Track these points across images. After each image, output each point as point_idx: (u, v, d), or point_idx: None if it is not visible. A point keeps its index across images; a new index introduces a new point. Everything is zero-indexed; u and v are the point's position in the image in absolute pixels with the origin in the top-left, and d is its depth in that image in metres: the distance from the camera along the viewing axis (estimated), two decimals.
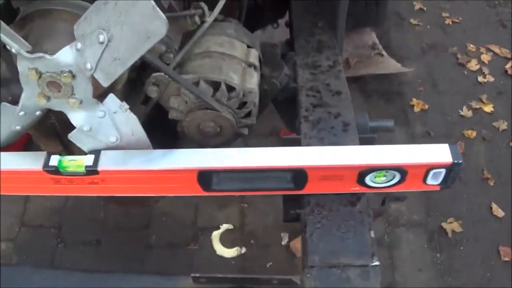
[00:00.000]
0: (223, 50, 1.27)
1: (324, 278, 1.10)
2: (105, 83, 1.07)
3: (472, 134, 2.60)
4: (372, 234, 1.16)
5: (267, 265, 2.20)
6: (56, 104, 1.15)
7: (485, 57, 2.93)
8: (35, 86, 1.11)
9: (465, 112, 2.69)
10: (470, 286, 2.17)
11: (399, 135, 2.60)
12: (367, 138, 1.31)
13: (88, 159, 1.19)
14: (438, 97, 2.75)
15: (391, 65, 2.70)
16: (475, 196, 2.41)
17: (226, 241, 2.27)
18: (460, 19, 3.22)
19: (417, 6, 3.26)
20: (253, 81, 1.26)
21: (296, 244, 2.23)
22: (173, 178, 1.19)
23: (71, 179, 1.22)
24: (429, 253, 2.26)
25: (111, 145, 1.20)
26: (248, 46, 1.33)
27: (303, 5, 1.78)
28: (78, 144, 1.21)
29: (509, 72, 2.88)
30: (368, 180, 1.17)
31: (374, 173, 1.16)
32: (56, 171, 1.20)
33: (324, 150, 1.17)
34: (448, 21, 3.21)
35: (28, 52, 1.06)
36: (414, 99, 2.74)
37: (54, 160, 1.20)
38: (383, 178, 1.18)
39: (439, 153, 1.15)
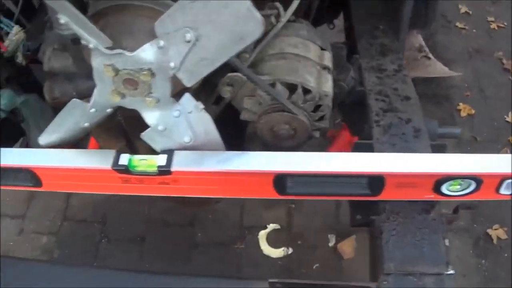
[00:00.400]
0: (298, 52, 1.26)
1: (400, 286, 1.10)
2: (188, 83, 1.07)
3: None
4: (447, 242, 1.15)
5: (314, 267, 2.19)
6: (130, 102, 1.15)
7: None
8: (109, 83, 1.11)
9: (511, 118, 2.65)
10: None
11: (445, 140, 2.56)
12: (438, 145, 1.30)
13: (161, 159, 1.19)
14: (485, 102, 2.72)
15: (439, 69, 2.67)
16: None
17: (273, 241, 2.27)
18: (505, 24, 3.18)
19: (463, 9, 3.22)
20: (328, 84, 1.25)
21: (343, 247, 2.22)
22: (248, 180, 1.19)
23: (141, 179, 1.22)
24: (474, 259, 2.24)
25: (184, 145, 1.20)
26: (321, 48, 1.32)
27: (363, 7, 1.76)
28: (150, 143, 1.21)
29: None
30: (444, 188, 1.16)
31: (450, 182, 1.15)
32: (125, 170, 1.20)
33: (402, 157, 1.16)
34: (493, 25, 3.17)
35: (107, 48, 1.05)
36: (461, 104, 2.71)
37: (124, 159, 1.20)
38: (458, 187, 1.17)
39: None
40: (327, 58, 1.30)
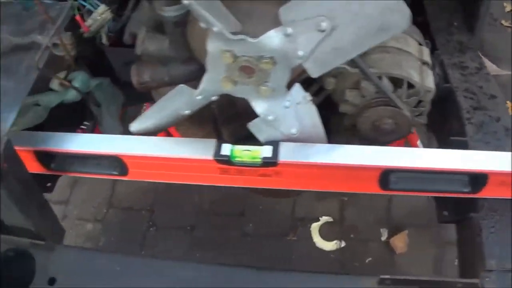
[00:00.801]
0: (400, 46, 1.26)
1: (503, 282, 1.11)
2: (316, 73, 1.06)
3: None
4: None
5: (367, 260, 2.21)
6: (241, 90, 1.14)
7: None
8: (223, 70, 1.10)
9: None
10: None
11: None
12: None
13: (266, 150, 1.20)
14: None
15: (488, 67, 2.66)
16: None
17: (325, 233, 2.28)
18: None
19: (508, 7, 3.21)
20: (430, 80, 1.26)
21: (396, 241, 2.23)
22: (353, 174, 1.20)
23: (241, 170, 1.23)
24: None
25: (290, 137, 1.21)
26: (419, 44, 1.33)
27: (437, 3, 1.76)
28: (256, 133, 1.22)
29: None
30: None
31: None
32: (227, 161, 1.20)
33: (504, 155, 1.17)
34: None
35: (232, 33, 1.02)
36: (508, 102, 2.71)
37: (226, 149, 1.21)
38: None
39: None
40: (426, 53, 1.31)
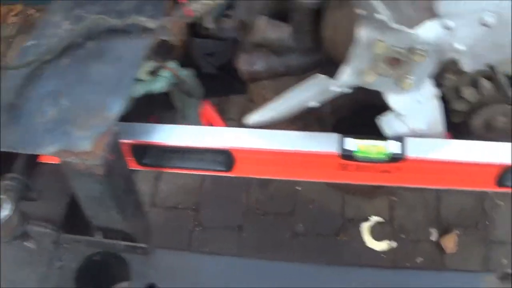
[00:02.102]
0: None
1: None
2: (469, 68, 1.06)
3: None
4: None
5: (418, 261, 2.22)
6: (380, 83, 1.11)
7: None
8: (368, 61, 1.06)
9: None
10: None
11: None
12: None
13: (393, 145, 1.17)
14: None
15: None
16: None
17: (376, 233, 2.28)
18: None
19: None
20: None
21: (446, 241, 2.25)
22: (471, 171, 1.19)
23: (361, 166, 1.20)
24: None
25: (416, 133, 1.19)
26: None
27: None
28: (384, 128, 1.19)
29: None
30: None
31: None
32: (350, 156, 1.17)
33: None
34: None
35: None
36: None
37: (351, 143, 1.18)
38: None
39: None
40: None
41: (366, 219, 2.31)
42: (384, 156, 1.17)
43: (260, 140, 1.24)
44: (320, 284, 1.14)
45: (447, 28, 1.00)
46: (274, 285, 1.14)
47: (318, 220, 2.34)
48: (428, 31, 1.01)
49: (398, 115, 1.17)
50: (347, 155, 1.18)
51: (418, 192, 2.33)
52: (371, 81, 1.11)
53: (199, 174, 2.42)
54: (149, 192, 2.46)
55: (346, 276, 1.19)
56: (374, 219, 2.31)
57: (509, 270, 1.10)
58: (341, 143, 1.19)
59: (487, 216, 2.32)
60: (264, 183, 2.38)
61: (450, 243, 2.25)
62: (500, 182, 1.21)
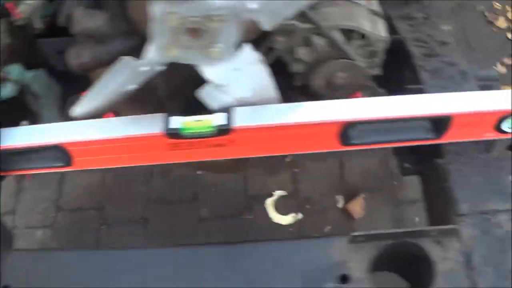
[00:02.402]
0: None
1: (478, 225, 1.09)
2: (268, 26, 1.00)
3: (509, 89, 2.61)
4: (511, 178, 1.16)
5: (325, 230, 2.18)
6: (189, 56, 1.05)
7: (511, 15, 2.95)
8: (168, 35, 1.01)
9: (500, 68, 2.70)
10: None
11: None
12: (485, 86, 1.30)
13: (219, 118, 1.12)
14: (472, 54, 2.75)
15: None
16: None
17: (281, 208, 2.23)
18: None
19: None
20: (381, 28, 1.21)
21: (352, 206, 2.22)
22: (312, 133, 1.14)
23: (192, 143, 1.14)
24: None
25: (243, 101, 1.13)
26: None
27: None
28: (207, 101, 1.13)
29: None
30: (504, 126, 1.15)
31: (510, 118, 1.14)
32: (177, 134, 1.12)
33: (466, 95, 1.15)
34: None
35: None
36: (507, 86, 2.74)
37: (176, 121, 1.12)
38: None
39: None
40: (375, 3, 1.26)
41: (270, 195, 2.25)
42: (211, 130, 1.12)
43: (88, 130, 1.18)
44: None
45: None
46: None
47: (222, 202, 2.27)
48: None
49: (217, 85, 1.10)
50: (173, 134, 1.12)
51: (321, 161, 2.28)
52: (176, 55, 1.05)
53: (100, 173, 2.36)
54: (54, 197, 2.37)
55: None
56: (278, 193, 2.25)
57: (359, 233, 1.07)
58: (166, 123, 1.13)
59: (393, 176, 2.28)
60: (165, 172, 2.32)
61: (357, 207, 2.21)
62: (345, 140, 1.16)
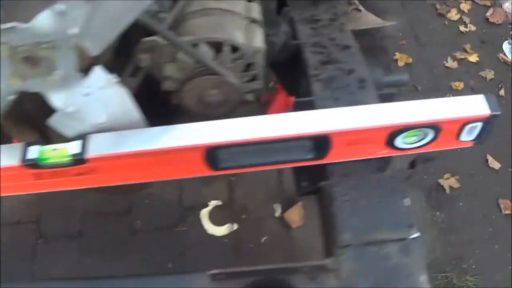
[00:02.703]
0: (222, 6, 1.10)
1: (361, 258, 0.97)
2: (95, 50, 0.89)
3: (460, 85, 2.51)
4: (407, 201, 1.03)
5: (263, 240, 2.07)
6: (33, 85, 0.95)
7: (465, 6, 2.82)
8: (7, 65, 0.91)
9: (451, 63, 2.59)
10: (474, 243, 2.09)
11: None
12: (386, 94, 1.18)
13: (74, 146, 1.01)
14: (422, 49, 2.64)
15: (371, 20, 2.55)
16: (468, 149, 2.30)
17: (217, 218, 2.12)
18: None
19: None
20: (259, 38, 1.09)
21: (291, 215, 2.11)
22: (175, 158, 1.02)
23: (54, 172, 1.03)
24: (429, 212, 2.17)
25: (100, 127, 1.02)
26: (248, 0, 1.16)
27: None
28: (61, 130, 1.02)
29: (490, 20, 2.78)
30: (398, 141, 1.03)
31: (405, 133, 1.03)
32: (35, 164, 1.01)
33: (348, 111, 1.03)
34: None
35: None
36: (397, 53, 2.62)
37: (34, 151, 1.02)
38: (414, 138, 1.05)
39: (476, 105, 1.04)
40: (256, 10, 1.14)
41: (206, 205, 2.14)
42: (67, 159, 1.01)
43: None
44: None
45: (61, 13, 0.84)
46: None
47: (156, 214, 2.16)
48: (44, 21, 0.85)
49: (67, 113, 0.99)
50: (31, 164, 1.02)
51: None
52: (19, 85, 0.95)
53: None
54: None
55: None
56: (213, 203, 2.13)
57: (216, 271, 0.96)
58: (25, 152, 1.02)
59: None
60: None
61: (295, 216, 2.10)
62: (213, 165, 1.04)
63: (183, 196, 2.19)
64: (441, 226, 2.14)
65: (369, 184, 1.05)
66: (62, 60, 0.91)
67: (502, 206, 2.17)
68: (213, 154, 1.01)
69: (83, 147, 1.00)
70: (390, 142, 1.03)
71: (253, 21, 1.12)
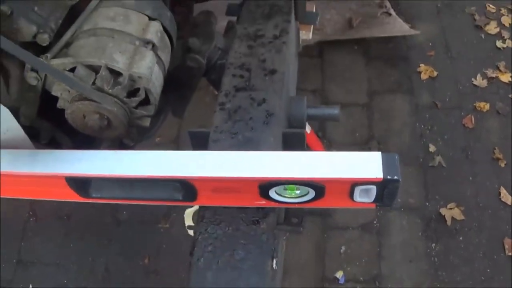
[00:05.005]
0: (113, 26, 1.04)
1: None
2: None
3: (485, 106, 2.27)
4: (275, 264, 0.94)
5: None
6: None
7: (506, 20, 2.54)
8: None
9: (479, 81, 2.35)
10: (468, 283, 1.91)
11: (401, 105, 2.31)
12: (293, 133, 1.07)
13: None
14: (450, 63, 2.41)
15: (398, 27, 2.38)
16: (482, 179, 2.11)
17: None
18: None
19: None
20: (144, 63, 1.02)
21: None
22: (44, 182, 0.99)
23: None
24: (423, 243, 2.00)
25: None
26: (151, 18, 1.09)
27: None
28: None
29: None
30: (273, 194, 0.93)
31: (282, 187, 0.92)
32: None
33: (215, 156, 0.95)
34: None
35: None
36: (422, 65, 2.41)
37: None
38: (297, 192, 0.94)
39: (366, 165, 0.90)
40: (153, 31, 1.08)
41: (191, 206, 2.10)
42: None
43: None
44: None
45: None
46: None
47: (142, 208, 2.14)
48: None
49: None
50: None
51: None
52: None
53: None
54: None
55: None
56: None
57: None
58: None
59: None
60: None
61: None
62: (83, 193, 1.01)
63: None
64: (434, 260, 1.97)
65: (239, 237, 0.96)
66: None
67: (506, 246, 1.96)
68: (79, 183, 0.97)
69: None
70: (264, 194, 0.93)
71: (147, 42, 1.04)
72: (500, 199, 2.06)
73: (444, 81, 2.37)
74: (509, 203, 2.05)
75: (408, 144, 2.22)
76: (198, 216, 1.01)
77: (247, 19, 1.33)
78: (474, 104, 2.29)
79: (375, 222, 2.05)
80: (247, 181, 0.91)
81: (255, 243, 0.95)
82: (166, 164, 0.94)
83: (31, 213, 2.26)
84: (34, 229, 2.22)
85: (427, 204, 2.08)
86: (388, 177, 0.88)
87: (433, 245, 2.00)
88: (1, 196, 1.08)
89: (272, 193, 0.93)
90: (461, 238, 2.01)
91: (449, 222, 2.03)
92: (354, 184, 0.90)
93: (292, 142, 1.07)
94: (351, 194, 0.93)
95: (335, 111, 1.18)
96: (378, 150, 2.16)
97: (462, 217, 2.03)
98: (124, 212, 2.18)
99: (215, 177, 0.91)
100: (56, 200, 1.06)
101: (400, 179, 0.87)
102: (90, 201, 1.02)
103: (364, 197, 0.93)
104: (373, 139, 2.24)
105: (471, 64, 2.40)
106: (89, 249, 2.11)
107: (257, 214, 0.98)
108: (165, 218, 2.13)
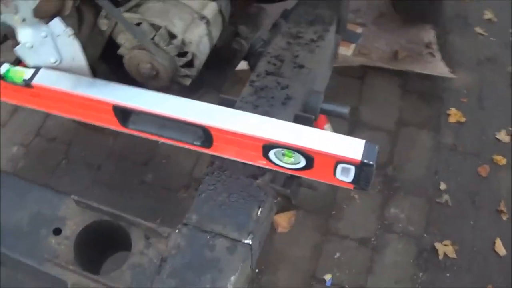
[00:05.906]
0: None
1: (190, 239, 1.09)
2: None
3: (502, 161, 2.38)
4: (259, 213, 1.13)
5: None
6: (7, 19, 1.19)
7: None
8: None
9: (502, 136, 2.47)
10: None
11: (424, 140, 2.46)
12: (304, 117, 1.25)
13: (28, 73, 1.24)
14: (479, 113, 2.54)
15: (438, 68, 2.54)
16: (482, 226, 2.22)
17: None
18: None
19: (487, 15, 2.99)
20: (196, 32, 1.24)
21: (279, 219, 2.20)
22: (93, 106, 1.21)
23: (15, 88, 1.27)
24: (412, 269, 2.12)
25: (52, 65, 1.24)
26: None
27: None
28: (23, 58, 1.25)
29: None
30: (273, 156, 1.12)
31: (281, 151, 1.11)
32: (2, 77, 1.25)
33: (232, 114, 1.15)
34: None
35: None
36: (453, 108, 2.55)
37: (4, 68, 1.26)
38: (292, 159, 1.12)
39: (350, 148, 1.07)
40: (210, 9, 1.29)
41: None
42: (20, 81, 1.24)
43: None
44: None
45: None
46: None
47: (166, 174, 2.37)
48: None
49: (26, 47, 1.22)
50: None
51: None
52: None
53: None
54: (37, 123, 2.63)
55: None
56: None
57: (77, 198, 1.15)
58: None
59: (336, 205, 2.23)
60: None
61: (283, 221, 2.19)
62: (122, 122, 1.22)
63: (196, 167, 2.38)
64: None
65: (237, 185, 1.16)
66: (23, 5, 1.14)
67: None
68: (121, 112, 1.19)
69: (33, 75, 1.23)
70: (265, 154, 1.12)
71: (202, 17, 1.26)
72: (494, 249, 2.16)
73: (470, 128, 2.51)
74: (501, 254, 2.15)
75: (422, 177, 2.35)
76: (209, 162, 1.19)
77: (293, 21, 1.54)
78: (492, 156, 2.40)
79: (373, 239, 2.19)
80: (254, 139, 1.10)
81: (248, 192, 1.15)
82: (194, 111, 1.14)
83: (64, 155, 2.50)
84: (64, 170, 2.45)
85: (425, 235, 2.20)
86: (365, 160, 1.05)
87: (421, 274, 2.11)
88: (55, 114, 1.31)
89: (272, 155, 1.12)
90: (448, 274, 2.11)
91: (441, 257, 2.14)
92: (338, 161, 1.08)
93: (301, 124, 1.25)
94: (334, 171, 1.10)
95: (345, 110, 1.36)
96: (393, 176, 2.34)
97: (454, 256, 2.14)
98: (150, 175, 2.38)
99: (230, 130, 1.11)
100: (100, 125, 1.26)
101: (374, 165, 1.04)
102: (127, 131, 1.22)
103: (344, 176, 1.10)
104: (391, 164, 2.38)
105: (498, 119, 2.52)
106: (110, 201, 2.25)
107: (256, 171, 1.17)
108: (185, 188, 2.33)
